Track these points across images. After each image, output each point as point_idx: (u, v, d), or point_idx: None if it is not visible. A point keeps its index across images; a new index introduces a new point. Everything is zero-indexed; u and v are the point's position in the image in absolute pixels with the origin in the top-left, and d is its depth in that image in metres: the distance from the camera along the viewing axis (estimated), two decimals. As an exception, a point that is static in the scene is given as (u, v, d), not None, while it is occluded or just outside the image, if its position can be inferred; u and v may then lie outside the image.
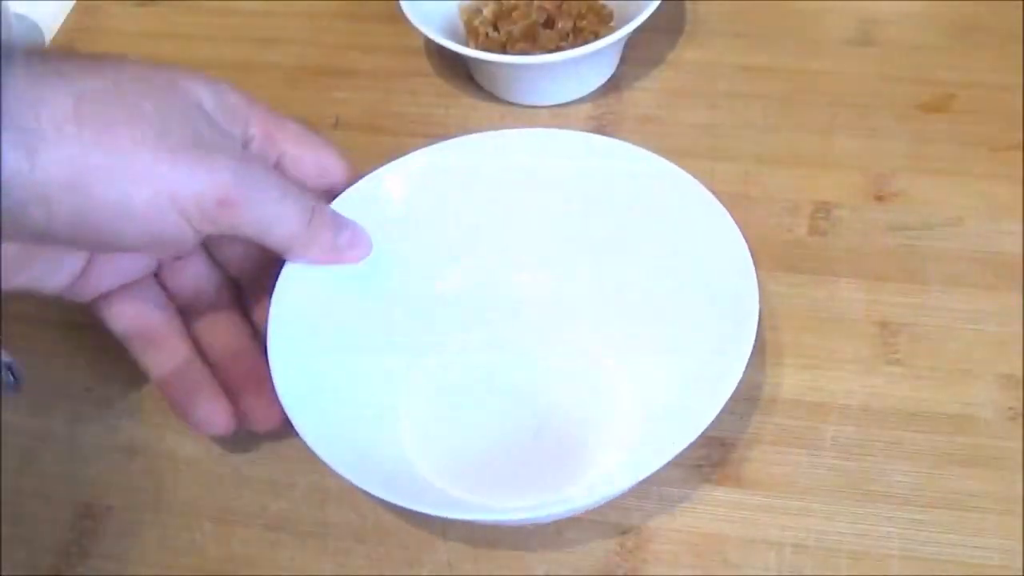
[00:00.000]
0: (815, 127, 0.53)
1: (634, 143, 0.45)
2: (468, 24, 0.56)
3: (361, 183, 0.45)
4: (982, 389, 0.43)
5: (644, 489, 0.41)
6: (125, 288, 0.43)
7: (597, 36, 0.54)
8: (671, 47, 0.57)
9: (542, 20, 0.55)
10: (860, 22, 0.57)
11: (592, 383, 0.44)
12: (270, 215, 0.39)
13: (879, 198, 0.50)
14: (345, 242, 0.42)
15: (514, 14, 0.56)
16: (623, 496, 0.41)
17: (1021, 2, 0.56)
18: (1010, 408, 0.43)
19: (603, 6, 0.56)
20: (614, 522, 0.41)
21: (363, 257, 0.43)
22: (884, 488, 0.41)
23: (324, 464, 0.37)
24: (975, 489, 0.41)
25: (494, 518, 0.40)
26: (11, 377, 0.44)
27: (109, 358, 0.48)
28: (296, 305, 0.42)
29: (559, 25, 0.55)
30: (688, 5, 0.59)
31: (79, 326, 0.49)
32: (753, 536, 0.41)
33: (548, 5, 0.55)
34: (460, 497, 0.41)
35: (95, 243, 0.38)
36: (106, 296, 0.43)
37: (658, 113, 0.54)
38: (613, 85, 0.56)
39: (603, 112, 0.55)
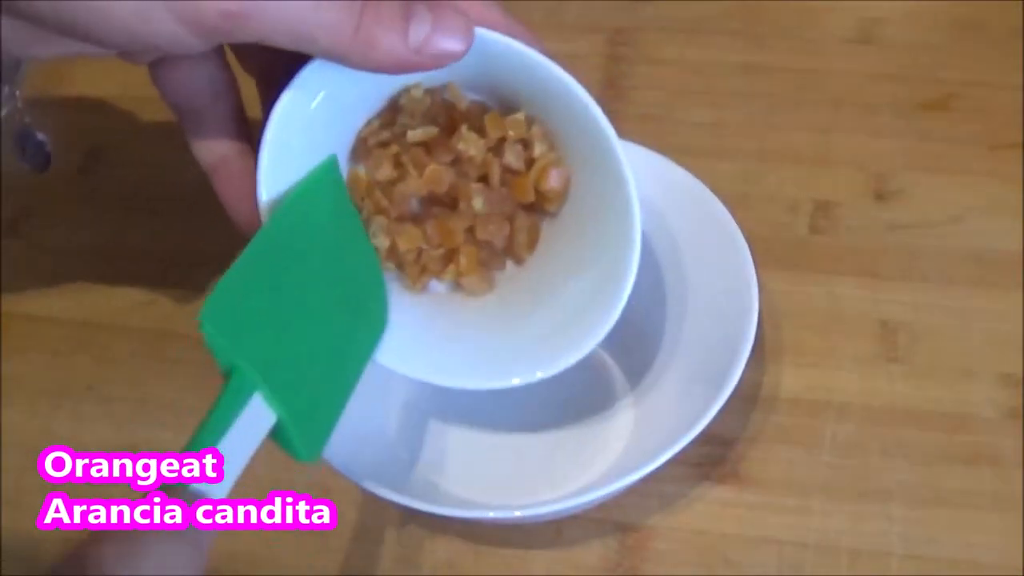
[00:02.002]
0: (815, 126, 0.53)
1: (634, 142, 0.45)
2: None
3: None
4: (982, 388, 0.43)
5: (644, 487, 0.41)
6: (179, 56, 0.36)
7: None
8: (671, 46, 0.57)
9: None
10: (860, 21, 0.57)
11: (592, 383, 0.44)
12: (298, 22, 0.31)
13: (879, 196, 0.50)
14: (421, 39, 0.32)
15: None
16: (623, 494, 0.41)
17: (1021, 1, 0.56)
18: (1009, 407, 0.43)
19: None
20: (614, 520, 0.41)
21: (458, 55, 0.33)
22: (883, 486, 0.41)
23: (324, 463, 0.37)
24: (975, 487, 0.41)
25: (494, 517, 0.40)
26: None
27: (110, 357, 0.48)
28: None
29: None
30: (688, 4, 0.59)
31: (81, 325, 0.49)
32: (753, 534, 0.41)
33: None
34: (460, 496, 0.41)
35: (84, 38, 0.32)
36: (159, 61, 0.37)
37: (658, 112, 0.54)
38: (613, 84, 0.56)
39: (603, 111, 0.54)
